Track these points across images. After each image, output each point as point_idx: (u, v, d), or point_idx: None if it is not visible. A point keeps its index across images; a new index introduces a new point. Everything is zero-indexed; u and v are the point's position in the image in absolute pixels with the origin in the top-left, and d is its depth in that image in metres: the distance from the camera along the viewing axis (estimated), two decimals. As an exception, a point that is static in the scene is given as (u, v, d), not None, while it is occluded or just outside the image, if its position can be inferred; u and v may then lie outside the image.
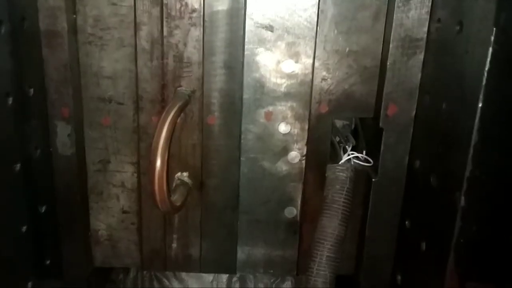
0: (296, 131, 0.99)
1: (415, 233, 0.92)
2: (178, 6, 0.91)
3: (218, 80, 0.96)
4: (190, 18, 0.92)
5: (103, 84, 0.98)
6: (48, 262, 1.02)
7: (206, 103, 0.98)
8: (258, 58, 0.94)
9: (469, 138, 0.72)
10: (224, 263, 1.12)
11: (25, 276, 0.95)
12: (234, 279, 1.46)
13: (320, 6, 0.91)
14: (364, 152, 1.02)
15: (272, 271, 1.11)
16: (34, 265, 0.98)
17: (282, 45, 0.93)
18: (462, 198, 0.73)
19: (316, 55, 0.94)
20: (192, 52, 0.94)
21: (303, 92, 0.96)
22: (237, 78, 0.96)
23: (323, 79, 0.96)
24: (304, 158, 1.00)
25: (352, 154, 1.00)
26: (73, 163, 1.00)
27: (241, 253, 1.09)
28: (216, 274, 1.46)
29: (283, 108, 0.97)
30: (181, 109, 0.91)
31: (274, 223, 1.06)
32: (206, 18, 0.92)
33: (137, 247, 1.11)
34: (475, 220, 0.75)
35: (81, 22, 0.94)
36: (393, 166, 0.96)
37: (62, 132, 0.97)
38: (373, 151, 1.00)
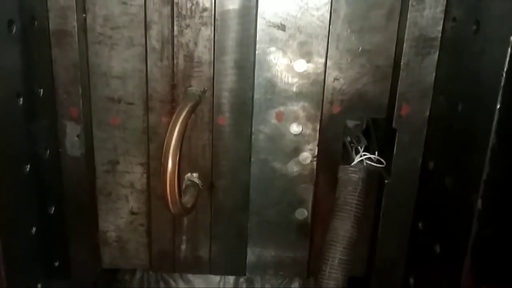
0: (307, 131, 0.97)
1: (428, 235, 0.91)
2: (189, 5, 0.90)
3: (229, 80, 0.95)
4: (201, 17, 0.90)
5: (113, 84, 0.97)
6: (57, 263, 1.01)
7: (217, 103, 0.96)
8: (269, 57, 0.93)
9: (487, 140, 0.70)
10: (233, 265, 1.11)
11: (34, 277, 0.94)
12: (241, 280, 1.45)
13: (332, 5, 0.90)
14: (376, 152, 1.00)
15: (282, 273, 1.10)
16: (43, 266, 0.97)
17: (294, 44, 0.92)
18: (479, 201, 0.72)
19: (328, 54, 0.93)
20: (203, 51, 0.93)
21: (315, 92, 0.95)
22: (248, 78, 0.94)
23: (336, 78, 0.94)
24: (315, 159, 0.99)
25: (365, 155, 0.98)
26: (82, 163, 0.99)
27: (251, 255, 1.08)
28: (224, 275, 1.45)
29: (295, 108, 0.96)
30: (192, 110, 0.90)
31: (284, 224, 1.05)
32: (217, 17, 0.91)
33: (145, 249, 1.10)
34: (491, 223, 0.74)
35: (90, 22, 0.93)
36: (406, 167, 0.95)
37: (71, 133, 0.96)
38: (385, 152, 0.99)
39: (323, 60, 0.93)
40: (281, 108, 0.96)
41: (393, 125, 0.92)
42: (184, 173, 1.00)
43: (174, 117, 0.85)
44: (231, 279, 1.43)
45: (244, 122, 0.98)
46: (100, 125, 1.00)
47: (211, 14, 0.91)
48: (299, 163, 1.00)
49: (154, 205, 1.05)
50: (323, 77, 0.94)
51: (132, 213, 1.07)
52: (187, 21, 0.91)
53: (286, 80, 0.94)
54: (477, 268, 0.75)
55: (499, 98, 0.68)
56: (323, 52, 0.92)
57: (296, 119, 0.97)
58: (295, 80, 0.94)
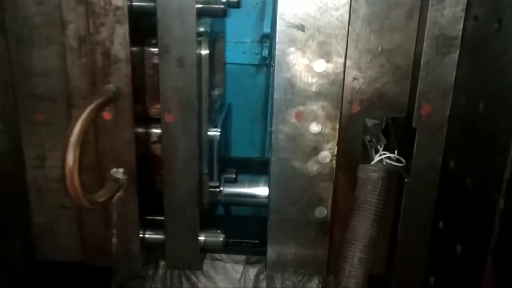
0: (327, 130, 0.98)
1: (449, 235, 0.91)
2: (102, 3, 0.91)
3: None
4: (115, 15, 0.92)
5: (35, 81, 0.99)
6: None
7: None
8: (289, 58, 0.93)
9: (509, 140, 0.70)
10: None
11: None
12: (262, 277, 1.47)
13: (352, 5, 0.90)
14: (395, 152, 1.00)
15: (302, 271, 1.11)
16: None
17: (313, 44, 0.92)
18: (501, 201, 0.72)
19: (347, 54, 0.93)
20: (119, 49, 0.94)
21: (334, 92, 0.95)
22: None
23: (355, 78, 0.94)
24: (335, 158, 0.99)
25: (384, 154, 0.98)
26: (8, 159, 1.01)
27: (271, 253, 1.09)
28: (244, 272, 1.47)
29: (314, 107, 0.96)
30: (101, 106, 0.91)
31: (304, 223, 1.05)
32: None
33: (79, 242, 1.11)
34: (514, 223, 0.73)
35: (9, 22, 0.95)
36: (426, 167, 0.95)
37: None
38: (405, 151, 0.99)
39: (342, 60, 0.93)
40: (301, 108, 0.96)
41: (413, 124, 0.92)
42: (109, 168, 1.02)
43: (78, 113, 0.86)
44: (251, 275, 1.45)
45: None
46: (26, 121, 1.02)
47: (124, 13, 0.92)
48: (319, 162, 1.00)
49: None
50: (342, 76, 0.94)
51: (64, 207, 1.08)
52: (102, 19, 0.92)
53: (305, 80, 0.94)
54: (499, 269, 0.75)
55: (522, 98, 0.68)
56: (342, 52, 0.92)
57: (315, 118, 0.97)
58: (315, 80, 0.95)
